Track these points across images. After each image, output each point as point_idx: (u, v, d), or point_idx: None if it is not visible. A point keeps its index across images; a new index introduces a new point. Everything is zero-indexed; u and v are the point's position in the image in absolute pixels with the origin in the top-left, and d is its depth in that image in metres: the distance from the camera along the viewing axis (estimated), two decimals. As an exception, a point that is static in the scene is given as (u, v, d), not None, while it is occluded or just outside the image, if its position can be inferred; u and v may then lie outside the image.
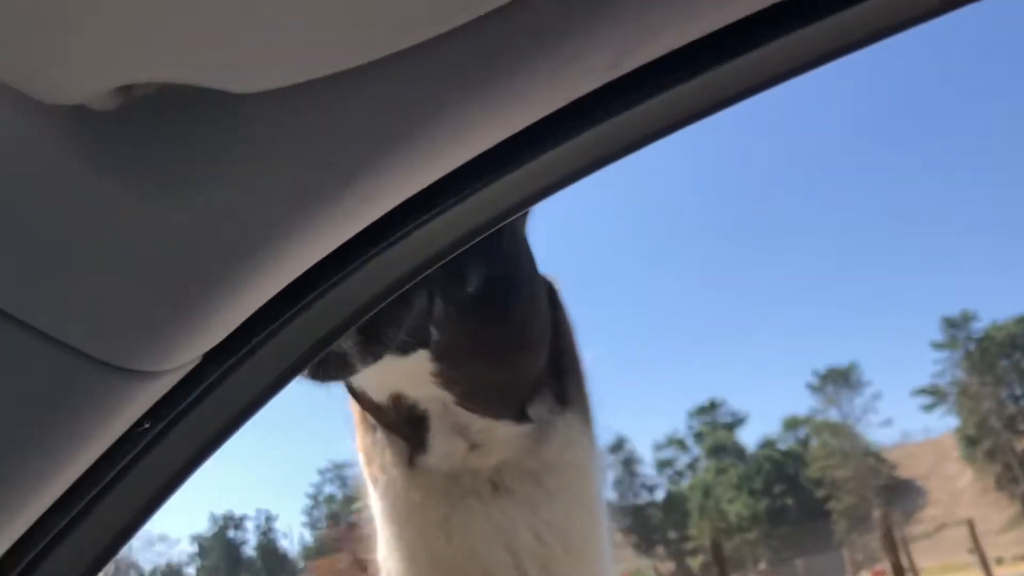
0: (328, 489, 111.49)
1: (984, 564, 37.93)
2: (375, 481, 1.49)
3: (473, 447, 1.42)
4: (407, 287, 0.96)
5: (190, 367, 0.89)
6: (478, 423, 1.43)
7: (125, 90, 0.75)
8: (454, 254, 0.94)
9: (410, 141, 0.81)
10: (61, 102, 0.70)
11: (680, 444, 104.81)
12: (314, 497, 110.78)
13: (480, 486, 1.39)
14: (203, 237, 0.81)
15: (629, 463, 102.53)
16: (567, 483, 1.42)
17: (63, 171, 0.77)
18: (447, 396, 1.39)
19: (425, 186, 0.85)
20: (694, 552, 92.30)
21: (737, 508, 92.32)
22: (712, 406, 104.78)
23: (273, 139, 0.79)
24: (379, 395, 1.42)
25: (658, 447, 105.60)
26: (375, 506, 1.51)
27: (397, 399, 1.41)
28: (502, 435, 1.43)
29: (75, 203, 0.79)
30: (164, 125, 0.78)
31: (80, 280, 0.82)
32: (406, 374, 1.35)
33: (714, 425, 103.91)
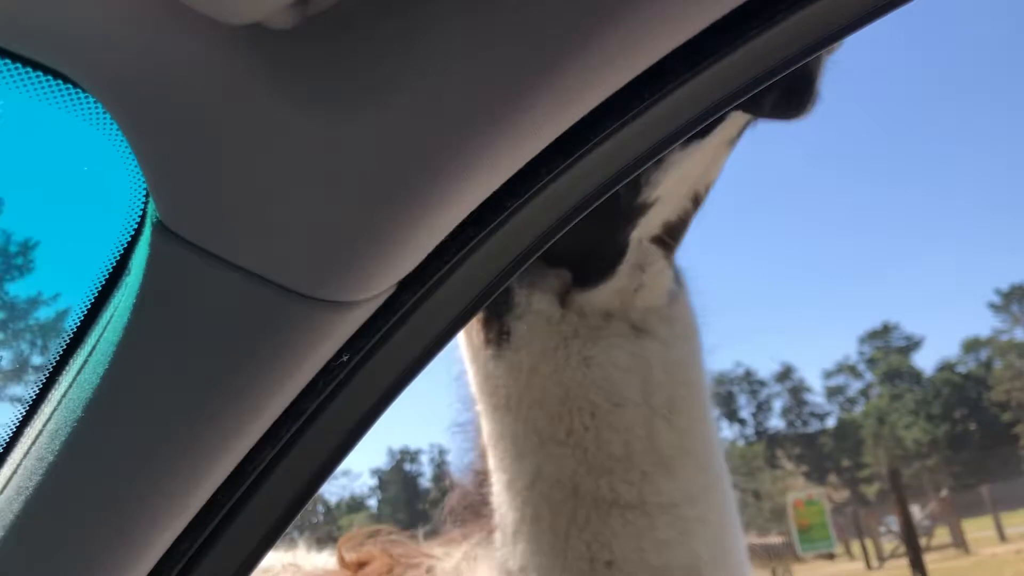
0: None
1: None
2: (507, 331, 1.56)
3: (638, 288, 1.53)
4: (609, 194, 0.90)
5: (386, 296, 0.87)
6: (658, 264, 1.54)
7: (302, 6, 0.72)
8: (660, 154, 0.87)
9: (601, 37, 0.74)
10: (239, 21, 0.68)
11: (851, 370, 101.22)
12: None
13: (626, 325, 1.53)
14: (390, 160, 0.77)
15: (797, 391, 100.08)
16: (691, 333, 1.60)
17: (245, 97, 0.75)
18: (655, 226, 1.50)
19: (620, 86, 0.78)
20: (869, 480, 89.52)
21: (915, 434, 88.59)
22: (885, 330, 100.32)
23: (457, 49, 0.74)
24: (680, 192, 1.48)
25: (828, 374, 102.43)
26: (504, 356, 1.57)
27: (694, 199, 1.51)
28: (663, 281, 1.56)
29: (260, 131, 0.77)
30: (342, 42, 0.75)
31: (273, 213, 0.80)
32: (704, 170, 1.46)
33: (887, 350, 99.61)
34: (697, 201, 1.54)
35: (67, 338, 1.00)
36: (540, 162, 0.85)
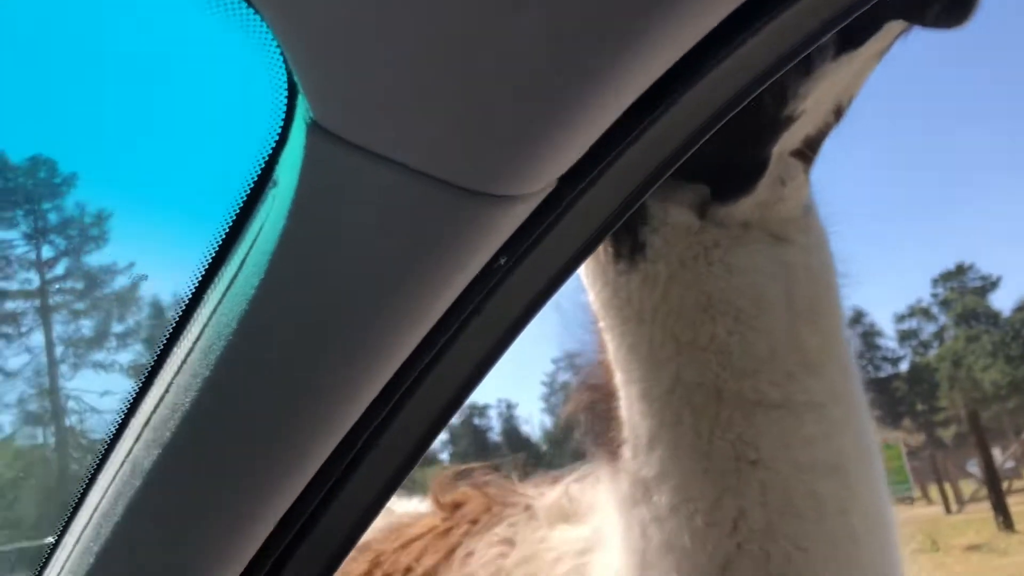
0: (562, 377, 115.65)
1: None
2: (641, 244, 1.58)
3: (778, 201, 1.53)
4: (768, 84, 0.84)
5: (547, 192, 0.83)
6: (798, 177, 1.54)
7: None
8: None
9: None
10: None
11: (925, 313, 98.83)
12: (550, 384, 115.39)
13: (766, 234, 1.55)
14: (549, 50, 0.73)
15: (868, 336, 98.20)
16: (825, 241, 1.62)
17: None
18: (796, 140, 1.51)
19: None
20: (945, 423, 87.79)
21: (993, 376, 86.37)
22: (959, 271, 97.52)
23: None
24: (825, 106, 1.48)
25: (899, 318, 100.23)
26: (639, 269, 1.59)
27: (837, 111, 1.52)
28: (803, 193, 1.56)
29: (417, 18, 0.73)
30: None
31: (431, 105, 0.77)
32: (851, 82, 1.46)
33: (962, 291, 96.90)
34: (839, 114, 1.52)
35: (210, 255, 0.99)
36: (703, 46, 0.80)
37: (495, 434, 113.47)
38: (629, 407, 1.63)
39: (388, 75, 0.75)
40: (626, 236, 1.59)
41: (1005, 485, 28.46)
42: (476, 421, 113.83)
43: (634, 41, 0.73)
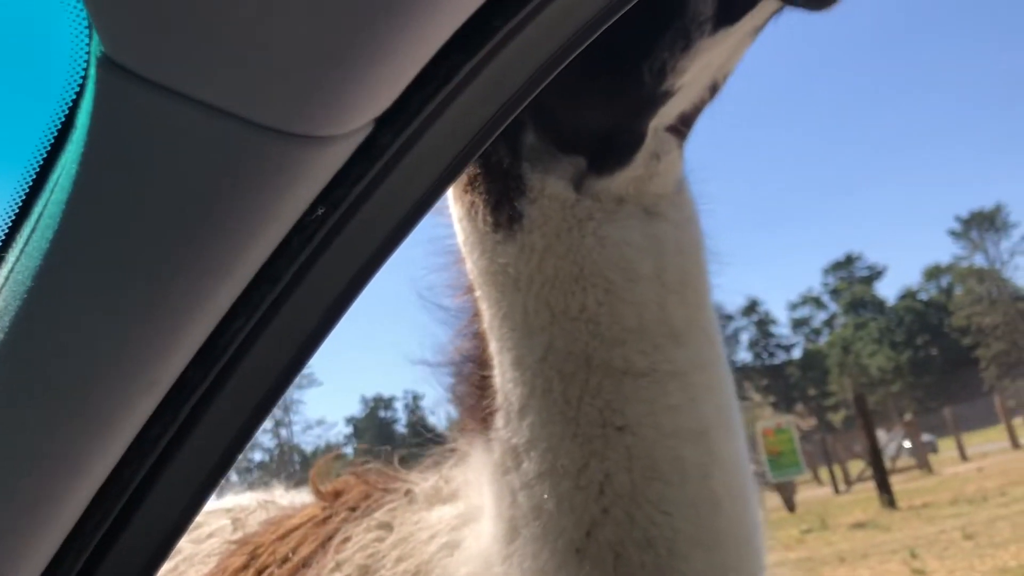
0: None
1: None
2: (519, 215, 1.59)
3: (652, 176, 1.56)
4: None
5: (363, 134, 0.77)
6: (672, 153, 1.57)
7: None
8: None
9: None
10: None
11: (816, 302, 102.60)
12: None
13: (639, 208, 1.57)
14: None
15: (763, 324, 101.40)
16: (696, 217, 1.66)
17: None
18: (672, 115, 1.53)
19: None
20: (835, 407, 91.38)
21: (879, 361, 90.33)
22: (848, 261, 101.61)
23: None
24: (701, 82, 1.50)
25: (792, 306, 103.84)
26: (515, 238, 1.60)
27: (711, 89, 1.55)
28: (676, 169, 1.60)
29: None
30: None
31: (227, 36, 0.70)
32: (727, 59, 1.49)
33: (851, 280, 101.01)
34: (714, 90, 1.57)
35: (14, 207, 0.89)
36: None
37: (400, 426, 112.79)
38: (502, 375, 1.65)
39: (180, 3, 0.68)
40: (504, 206, 1.61)
41: (888, 464, 29.83)
42: (382, 413, 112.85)
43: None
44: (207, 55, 0.71)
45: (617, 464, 1.53)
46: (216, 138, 0.73)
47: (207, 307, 0.81)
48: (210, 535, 2.88)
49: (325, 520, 2.46)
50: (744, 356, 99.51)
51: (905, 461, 35.58)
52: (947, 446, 43.04)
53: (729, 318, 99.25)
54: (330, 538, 2.36)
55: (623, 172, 1.55)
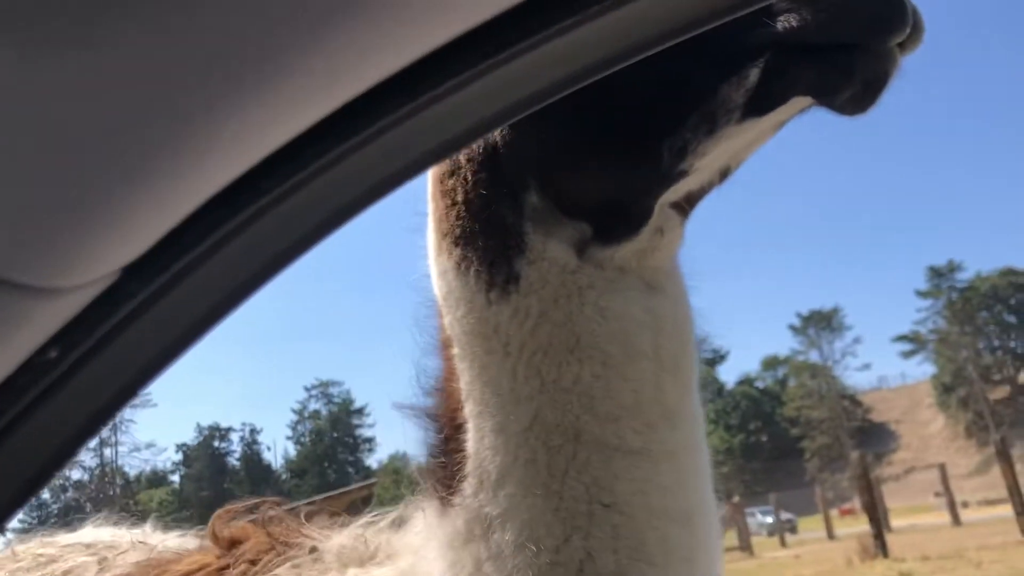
0: (313, 405, 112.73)
1: (952, 507, 38.79)
2: (515, 275, 1.55)
3: (655, 250, 1.56)
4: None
5: (105, 284, 0.70)
6: (676, 229, 1.58)
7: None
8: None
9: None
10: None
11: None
12: (299, 412, 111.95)
13: (640, 281, 1.57)
14: (96, 116, 0.61)
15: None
16: (687, 292, 1.67)
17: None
18: (680, 193, 1.55)
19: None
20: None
21: (713, 442, 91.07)
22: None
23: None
24: (715, 165, 1.51)
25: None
26: (510, 300, 1.56)
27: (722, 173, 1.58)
28: (677, 244, 1.61)
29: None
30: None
31: None
32: (746, 147, 1.50)
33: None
34: (724, 175, 1.59)
35: None
36: (310, 138, 0.72)
37: (234, 458, 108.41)
38: (479, 441, 1.56)
39: None
40: (501, 264, 1.56)
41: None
42: (216, 443, 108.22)
43: (215, 124, 0.63)
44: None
45: (602, 543, 1.47)
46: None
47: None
48: (67, 573, 2.58)
49: (220, 571, 2.23)
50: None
51: (729, 541, 36.86)
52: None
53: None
54: None
55: (629, 244, 1.53)
